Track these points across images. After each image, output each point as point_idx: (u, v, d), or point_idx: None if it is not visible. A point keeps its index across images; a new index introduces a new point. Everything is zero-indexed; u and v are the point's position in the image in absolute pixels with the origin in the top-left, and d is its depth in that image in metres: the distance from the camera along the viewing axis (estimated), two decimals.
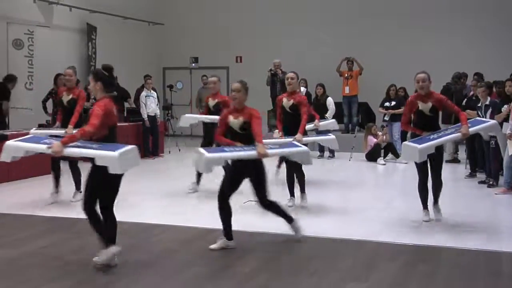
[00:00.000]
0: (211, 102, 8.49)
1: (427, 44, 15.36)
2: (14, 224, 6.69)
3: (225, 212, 5.63)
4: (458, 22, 15.34)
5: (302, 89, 12.92)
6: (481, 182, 9.17)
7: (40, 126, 10.49)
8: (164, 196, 7.79)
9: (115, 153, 4.62)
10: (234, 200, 7.39)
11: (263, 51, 16.54)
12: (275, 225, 6.62)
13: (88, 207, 4.86)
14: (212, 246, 5.58)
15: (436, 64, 14.93)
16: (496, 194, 8.36)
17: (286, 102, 7.51)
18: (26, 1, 12.77)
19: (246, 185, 8.46)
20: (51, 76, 12.24)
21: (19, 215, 7.10)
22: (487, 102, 8.80)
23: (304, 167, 7.21)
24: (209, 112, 8.49)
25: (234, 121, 5.66)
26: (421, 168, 6.52)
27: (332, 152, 12.91)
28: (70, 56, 14.14)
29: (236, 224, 6.54)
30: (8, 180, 9.33)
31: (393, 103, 12.61)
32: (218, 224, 6.52)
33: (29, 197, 7.93)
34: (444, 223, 6.58)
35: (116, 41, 15.68)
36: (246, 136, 5.60)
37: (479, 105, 9.03)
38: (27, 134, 9.85)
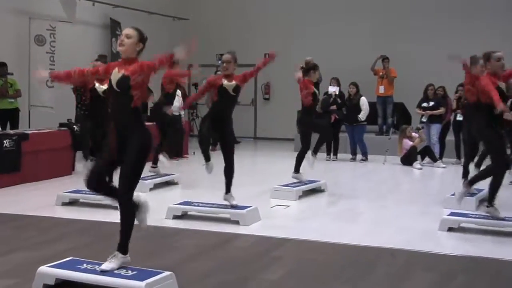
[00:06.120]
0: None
1: (468, 41, 15.12)
2: (33, 226, 6.76)
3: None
4: (501, 19, 15.11)
5: (334, 88, 12.86)
6: None
7: (62, 125, 10.64)
8: (187, 199, 7.79)
9: None
10: (261, 205, 7.43)
11: (293, 48, 16.50)
12: (305, 230, 6.61)
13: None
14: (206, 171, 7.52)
15: None
16: None
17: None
18: None
19: (266, 188, 8.45)
20: None
21: (38, 217, 7.17)
22: None
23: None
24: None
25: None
26: None
27: (365, 155, 12.83)
28: (93, 53, 14.24)
29: (264, 230, 6.56)
30: (27, 181, 9.44)
31: (431, 103, 12.44)
32: (244, 230, 6.55)
33: (49, 199, 8.03)
34: (486, 231, 6.48)
35: None
36: None
37: None
38: (49, 133, 10.05)
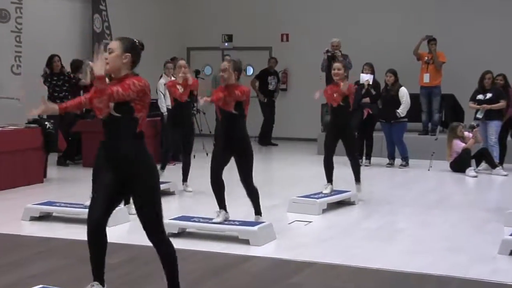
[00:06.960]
0: None
1: None
2: None
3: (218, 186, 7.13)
4: None
5: (367, 76, 12.84)
6: None
7: (31, 122, 10.68)
8: (185, 213, 7.82)
9: None
10: (277, 220, 7.43)
11: (316, 27, 16.51)
12: (330, 252, 6.61)
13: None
14: (215, 220, 6.99)
15: None
16: None
17: None
18: None
19: (283, 199, 8.47)
20: (44, 58, 12.48)
21: (1, 235, 7.19)
22: None
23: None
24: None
25: None
26: None
27: (405, 159, 12.81)
28: (70, 32, 14.34)
29: (279, 252, 6.56)
30: None
31: (489, 95, 12.40)
32: (255, 251, 6.55)
33: (15, 212, 8.06)
34: None
35: (129, 14, 15.81)
36: None
37: None
38: (15, 131, 10.11)
